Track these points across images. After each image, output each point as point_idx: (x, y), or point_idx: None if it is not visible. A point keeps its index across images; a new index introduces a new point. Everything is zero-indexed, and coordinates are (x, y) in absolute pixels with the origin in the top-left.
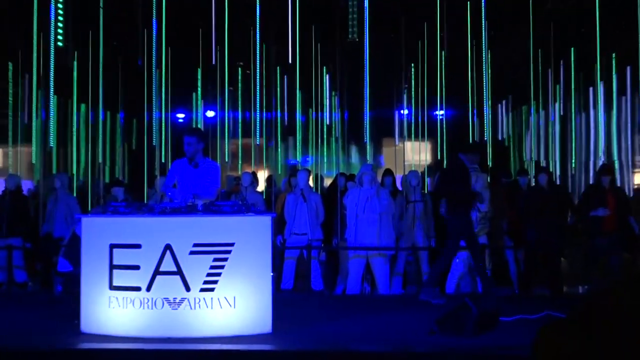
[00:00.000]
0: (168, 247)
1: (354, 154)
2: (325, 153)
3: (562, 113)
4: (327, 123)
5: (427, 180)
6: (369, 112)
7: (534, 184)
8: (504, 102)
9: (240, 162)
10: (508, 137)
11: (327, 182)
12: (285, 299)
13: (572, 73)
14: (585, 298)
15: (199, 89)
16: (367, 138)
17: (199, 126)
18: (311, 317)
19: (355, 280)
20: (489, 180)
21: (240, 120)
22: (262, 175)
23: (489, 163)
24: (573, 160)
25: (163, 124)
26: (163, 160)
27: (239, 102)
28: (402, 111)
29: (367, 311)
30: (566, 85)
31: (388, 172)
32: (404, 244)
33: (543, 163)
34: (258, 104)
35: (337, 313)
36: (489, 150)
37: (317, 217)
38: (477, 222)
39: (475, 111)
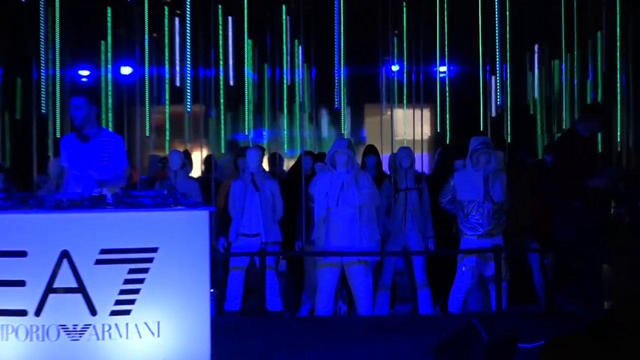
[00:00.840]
0: (65, 254)
1: (325, 125)
2: (285, 124)
3: (604, 70)
4: (288, 83)
5: (423, 159)
6: (344, 69)
7: None
8: (528, 55)
9: (167, 137)
10: (534, 101)
11: (288, 164)
12: (229, 324)
13: (618, 16)
14: (606, 309)
15: (109, 36)
16: (342, 104)
17: (109, 87)
18: (266, 349)
19: (326, 297)
20: (506, 159)
21: (167, 80)
22: (199, 156)
23: (507, 136)
24: (618, 134)
25: (58, 85)
26: (58, 135)
27: (166, 55)
28: (390, 67)
29: (342, 339)
30: (611, 31)
31: (371, 151)
32: (393, 248)
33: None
34: (191, 57)
35: (301, 342)
36: (507, 119)
37: (273, 212)
38: (489, 216)
39: (489, 67)
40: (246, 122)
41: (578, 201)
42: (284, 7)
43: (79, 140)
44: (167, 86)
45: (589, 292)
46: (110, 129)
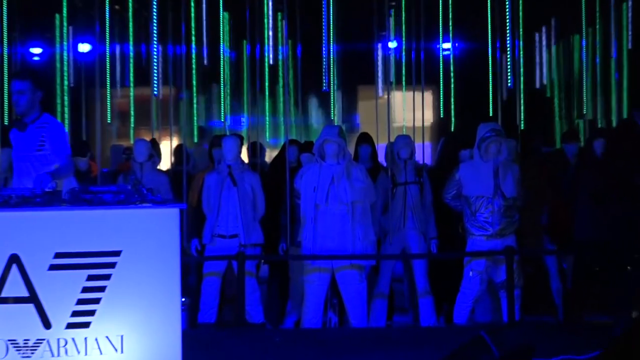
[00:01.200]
0: (14, 259)
1: (313, 110)
2: (267, 109)
3: (631, 46)
4: (270, 63)
5: (424, 149)
6: (334, 46)
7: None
8: (544, 29)
9: (132, 124)
10: (550, 83)
11: (271, 154)
12: (204, 338)
13: None
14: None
15: (64, 8)
16: (332, 85)
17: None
18: None
19: (314, 307)
20: (519, 149)
21: (131, 59)
22: (168, 146)
23: (520, 123)
24: None
25: (6, 64)
26: (7, 123)
27: (130, 31)
28: (387, 44)
29: (332, 354)
30: (638, 2)
31: (365, 139)
32: (390, 250)
33: (602, 123)
34: (159, 33)
35: (286, 358)
36: (520, 103)
37: (253, 210)
38: (500, 214)
39: (499, 44)
40: (222, 106)
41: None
42: None
43: (16, 129)
44: (131, 66)
45: (615, 299)
46: (67, 116)
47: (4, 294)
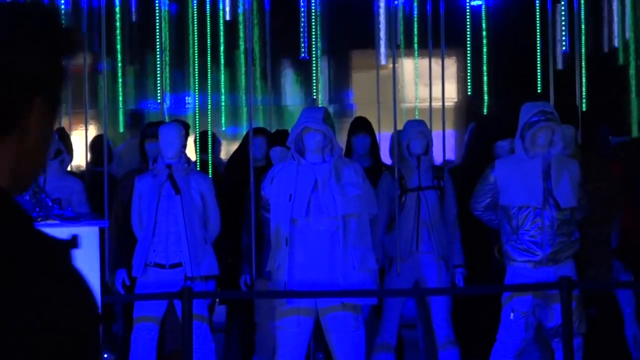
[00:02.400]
0: None
1: (287, 86)
2: (222, 85)
3: None
4: (227, 18)
5: (446, 139)
6: None
7: None
8: None
9: None
10: (624, 45)
11: (228, 149)
12: None
13: None
14: None
15: None
16: (314, 51)
17: None
18: None
19: None
20: (579, 140)
21: None
22: (82, 138)
23: (582, 102)
24: None
25: None
26: None
27: None
28: None
29: None
30: None
31: (362, 127)
32: (398, 283)
33: None
34: None
35: None
36: (581, 75)
37: (203, 228)
38: (553, 231)
39: None
40: (158, 81)
41: None
42: None
43: None
44: None
45: None
46: None
47: None
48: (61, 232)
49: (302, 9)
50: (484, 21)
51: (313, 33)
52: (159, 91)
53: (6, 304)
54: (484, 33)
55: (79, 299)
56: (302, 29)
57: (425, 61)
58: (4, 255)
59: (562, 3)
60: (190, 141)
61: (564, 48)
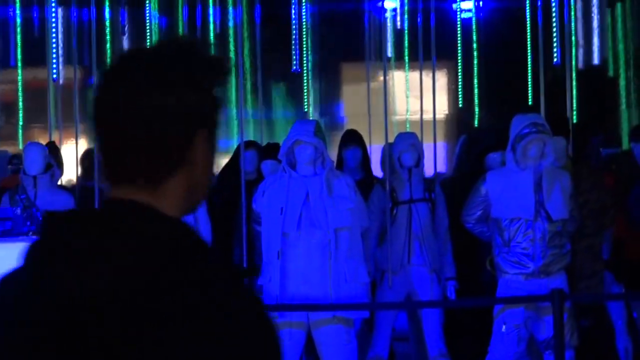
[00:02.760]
0: None
1: (278, 99)
2: None
3: None
4: (217, 31)
5: (437, 152)
6: (308, 6)
7: None
8: None
9: (20, 121)
10: (614, 57)
11: (220, 162)
12: None
13: None
14: None
15: None
16: (304, 63)
17: None
18: None
19: None
20: (570, 150)
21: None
22: (73, 152)
23: (572, 114)
24: None
25: None
26: None
27: None
28: (383, 3)
29: None
30: None
31: (353, 139)
32: (390, 296)
33: None
34: None
35: None
36: (571, 86)
37: None
38: (545, 243)
39: (540, 2)
40: None
41: None
42: None
43: None
44: (18, 37)
45: None
46: None
47: None
48: None
49: (294, 23)
50: (474, 33)
51: (304, 46)
52: None
53: (204, 319)
54: (475, 45)
55: (263, 322)
56: (294, 42)
57: (416, 74)
58: (200, 280)
59: (553, 14)
60: None
61: (555, 59)
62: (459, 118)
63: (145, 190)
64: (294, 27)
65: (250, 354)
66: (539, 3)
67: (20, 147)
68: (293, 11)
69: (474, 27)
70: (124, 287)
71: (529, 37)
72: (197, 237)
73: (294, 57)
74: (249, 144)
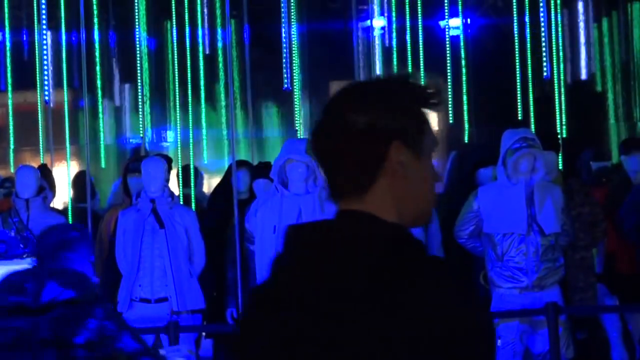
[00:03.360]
0: None
1: (269, 118)
2: (203, 119)
3: None
4: (206, 52)
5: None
6: (298, 26)
7: None
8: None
9: (12, 144)
10: (602, 72)
11: (211, 183)
12: None
13: None
14: None
15: None
16: (294, 82)
17: None
18: None
19: None
20: (561, 166)
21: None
22: (64, 174)
23: (562, 128)
24: None
25: None
26: None
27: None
28: (371, 22)
29: None
30: None
31: None
32: None
33: None
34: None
35: None
36: (561, 101)
37: (188, 262)
38: (538, 257)
39: (529, 19)
40: (140, 115)
41: None
42: None
43: None
44: (8, 59)
45: None
46: None
47: None
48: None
49: (284, 42)
50: (462, 51)
51: (294, 65)
52: (140, 125)
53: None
54: (464, 62)
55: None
56: (284, 61)
57: None
58: (433, 276)
59: (542, 30)
60: (173, 175)
61: (544, 74)
62: (449, 134)
63: (356, 200)
64: (284, 45)
65: (477, 348)
66: (526, 19)
67: (12, 170)
68: (283, 29)
69: (462, 44)
70: (375, 285)
71: (517, 52)
72: (414, 237)
73: (285, 76)
74: (241, 164)
